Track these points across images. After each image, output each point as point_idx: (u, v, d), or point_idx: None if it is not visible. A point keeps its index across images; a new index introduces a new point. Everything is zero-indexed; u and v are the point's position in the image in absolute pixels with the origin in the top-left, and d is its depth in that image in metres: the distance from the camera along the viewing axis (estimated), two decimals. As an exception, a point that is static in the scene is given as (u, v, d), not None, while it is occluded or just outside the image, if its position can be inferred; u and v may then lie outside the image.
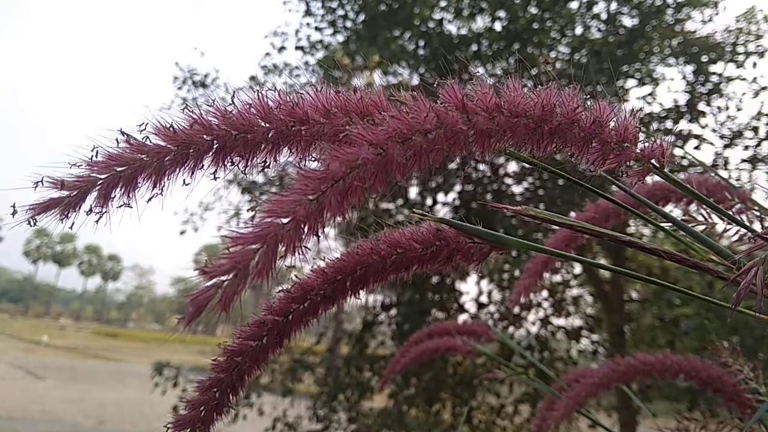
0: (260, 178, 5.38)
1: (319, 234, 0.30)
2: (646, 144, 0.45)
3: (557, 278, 5.76)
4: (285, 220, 0.28)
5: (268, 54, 6.12)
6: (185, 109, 0.37)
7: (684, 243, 0.53)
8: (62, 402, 12.11)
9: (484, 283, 5.70)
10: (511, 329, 5.48)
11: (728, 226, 0.65)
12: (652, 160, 0.45)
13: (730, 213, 0.75)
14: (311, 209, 0.29)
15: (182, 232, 6.43)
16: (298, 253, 0.29)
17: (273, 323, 0.53)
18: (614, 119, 0.43)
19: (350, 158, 0.31)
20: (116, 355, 26.08)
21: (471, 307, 5.61)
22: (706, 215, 0.64)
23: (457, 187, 5.50)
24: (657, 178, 0.83)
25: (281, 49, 6.10)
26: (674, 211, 0.85)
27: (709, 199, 0.75)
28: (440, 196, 5.52)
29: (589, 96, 0.43)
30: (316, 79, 0.42)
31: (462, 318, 5.50)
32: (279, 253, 0.28)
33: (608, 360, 1.01)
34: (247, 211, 0.30)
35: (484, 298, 5.64)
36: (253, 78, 6.04)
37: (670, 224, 0.55)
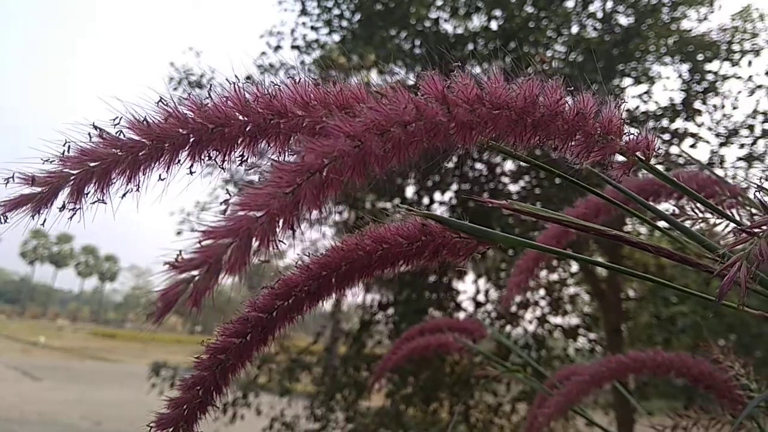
0: (257, 178, 5.35)
1: (295, 228, 0.29)
2: (631, 136, 0.44)
3: (554, 277, 5.76)
4: (259, 214, 0.28)
5: (264, 53, 6.11)
6: (159, 102, 0.36)
7: (672, 237, 0.53)
8: (59, 403, 12.08)
9: (482, 282, 5.70)
10: (508, 328, 5.48)
11: (719, 221, 0.65)
12: (637, 153, 0.44)
13: (720, 207, 0.74)
14: (286, 202, 0.28)
15: (179, 233, 6.42)
16: (272, 248, 0.29)
17: (257, 320, 0.52)
18: (598, 111, 0.42)
19: (326, 150, 0.31)
20: (113, 356, 26.03)
21: (468, 306, 5.61)
22: (697, 210, 0.64)
23: (454, 186, 5.50)
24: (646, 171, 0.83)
25: (277, 48, 6.09)
26: (665, 206, 0.84)
27: (700, 194, 0.75)
28: (437, 195, 5.51)
29: (574, 89, 0.42)
30: (311, 79, 0.41)
31: (459, 317, 5.49)
32: (252, 247, 0.27)
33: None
34: (220, 204, 0.29)
35: (481, 297, 5.63)
36: (249, 78, 5.99)
37: (658, 218, 0.55)
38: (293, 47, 6.01)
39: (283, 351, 5.80)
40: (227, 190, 0.30)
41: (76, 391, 14.21)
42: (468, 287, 5.81)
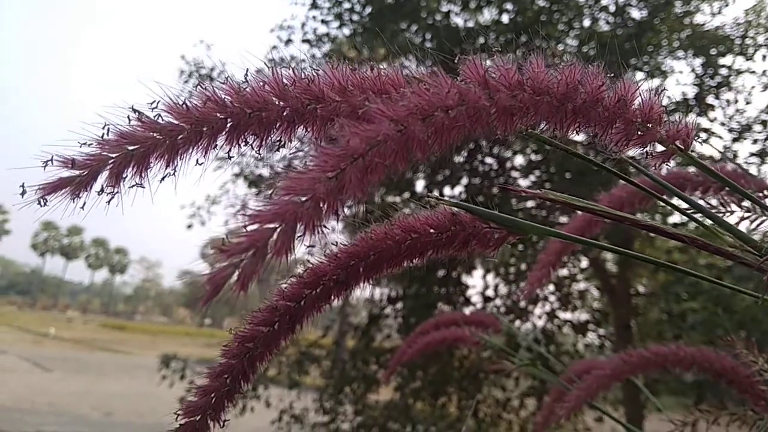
0: (266, 172, 5.39)
1: (339, 213, 0.29)
2: (671, 125, 0.44)
3: (564, 272, 5.74)
4: (304, 198, 0.27)
5: (274, 47, 6.11)
6: (198, 86, 0.36)
7: (708, 228, 0.52)
8: (69, 394, 12.18)
9: (491, 276, 5.69)
10: (517, 323, 5.47)
11: (746, 214, 0.64)
12: (677, 142, 0.43)
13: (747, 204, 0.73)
14: (331, 187, 0.28)
15: (189, 226, 6.45)
16: (317, 232, 0.28)
17: (285, 309, 0.52)
18: (639, 98, 0.42)
19: (370, 135, 0.30)
20: (123, 348, 26.21)
21: (477, 300, 5.61)
22: (725, 202, 0.63)
23: (464, 181, 5.48)
24: (671, 166, 0.82)
25: (288, 42, 6.09)
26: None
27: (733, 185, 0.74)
28: (447, 190, 5.50)
29: (615, 76, 0.42)
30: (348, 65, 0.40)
31: (467, 311, 5.49)
32: (297, 231, 0.27)
33: (617, 353, 1.00)
34: (265, 187, 0.29)
35: (490, 292, 5.63)
36: (259, 72, 6.00)
37: (691, 210, 0.54)
38: (304, 41, 6.01)
39: (293, 344, 5.82)
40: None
41: (86, 382, 14.33)
42: (477, 282, 5.81)
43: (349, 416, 5.47)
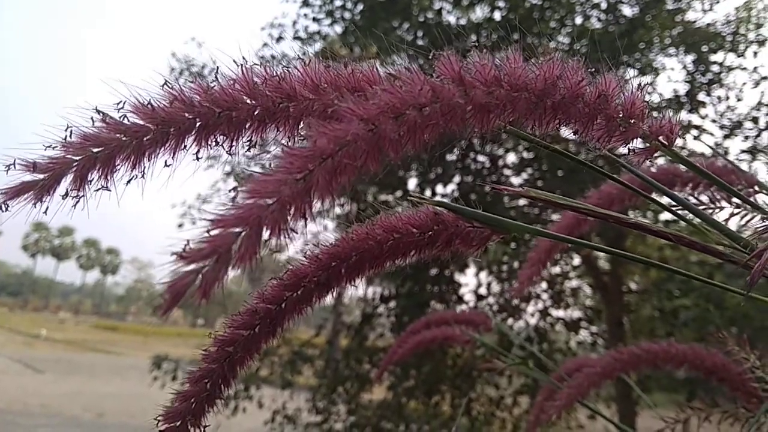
0: (258, 170, 5.33)
1: (306, 216, 0.28)
2: (654, 120, 0.43)
3: (556, 270, 5.75)
4: (269, 201, 0.26)
5: (266, 45, 6.08)
6: (164, 86, 0.35)
7: (695, 226, 0.51)
8: (61, 395, 12.11)
9: (483, 274, 5.69)
10: (510, 321, 5.47)
11: (736, 210, 0.63)
12: (660, 137, 0.43)
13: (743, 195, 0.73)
14: (298, 189, 0.27)
15: (180, 225, 6.41)
16: (284, 237, 0.27)
17: (265, 312, 0.51)
18: (620, 94, 0.41)
19: (339, 134, 0.29)
20: (115, 349, 26.09)
21: (470, 298, 5.60)
22: (714, 199, 0.62)
23: (456, 179, 5.48)
24: (661, 162, 0.81)
25: (279, 39, 6.06)
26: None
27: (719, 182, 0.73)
28: (439, 188, 5.49)
29: (596, 71, 0.41)
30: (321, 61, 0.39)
31: (460, 310, 5.49)
32: (263, 236, 0.26)
33: (609, 350, 0.99)
34: (229, 191, 0.28)
35: (483, 290, 5.63)
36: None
37: (677, 207, 0.53)
38: (295, 38, 5.98)
39: (285, 343, 5.80)
40: (236, 177, 0.29)
41: (78, 383, 14.25)
42: (470, 280, 5.81)
43: (342, 416, 5.46)
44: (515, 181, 5.49)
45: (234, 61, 0.38)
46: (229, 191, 0.28)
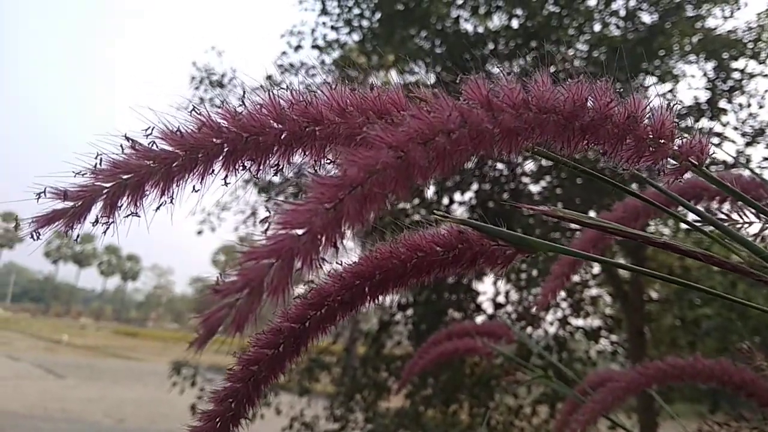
0: (277, 178, 5.41)
1: (337, 245, 0.28)
2: (684, 140, 0.42)
3: (576, 278, 5.69)
4: (300, 232, 0.26)
5: (284, 53, 6.13)
6: (193, 111, 0.35)
7: (722, 244, 0.50)
8: (82, 401, 12.24)
9: (501, 283, 5.65)
10: (528, 329, 5.42)
11: (766, 226, 0.62)
12: (691, 158, 0.42)
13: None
14: (328, 219, 0.27)
15: (199, 232, 6.47)
16: (315, 266, 0.27)
17: (289, 330, 0.51)
18: (650, 114, 0.40)
19: (369, 162, 0.29)
20: (135, 354, 26.31)
21: (488, 307, 5.57)
22: (742, 214, 0.61)
23: (474, 186, 5.46)
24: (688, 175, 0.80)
25: (297, 48, 6.10)
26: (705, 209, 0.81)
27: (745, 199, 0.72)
28: (457, 195, 5.48)
29: (621, 89, 0.40)
30: (332, 79, 0.39)
31: (479, 318, 5.46)
32: (295, 267, 0.26)
33: (629, 361, 0.98)
34: (260, 222, 0.28)
35: (501, 299, 5.59)
36: (269, 77, 6.05)
37: (704, 223, 0.52)
38: (313, 47, 6.01)
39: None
40: (267, 207, 0.29)
41: (98, 388, 14.40)
42: (488, 288, 5.78)
43: (359, 424, 5.45)
44: (534, 189, 5.46)
45: (252, 78, 0.38)
46: (260, 222, 0.28)
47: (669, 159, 0.42)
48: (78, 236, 0.36)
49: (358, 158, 0.28)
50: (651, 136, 0.41)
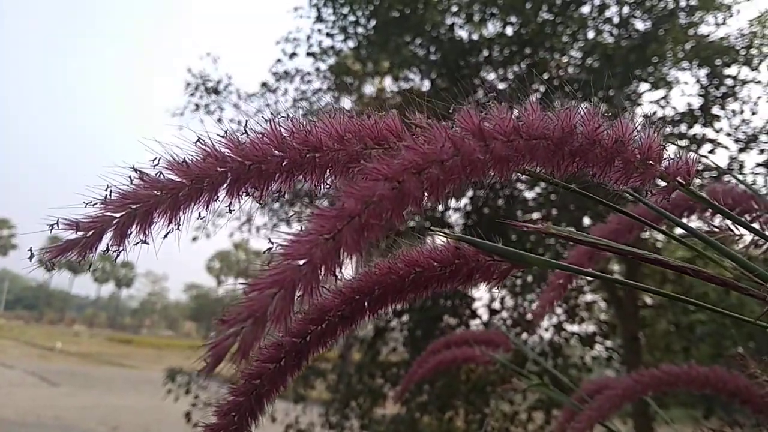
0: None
1: (336, 273, 0.29)
2: (671, 161, 0.44)
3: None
4: (301, 263, 0.28)
5: (279, 60, 6.15)
6: (197, 142, 0.37)
7: (710, 258, 0.52)
8: (76, 408, 12.18)
9: (496, 289, 5.65)
10: (524, 336, 5.44)
11: (756, 239, 0.63)
12: (678, 178, 0.44)
13: (757, 226, 0.73)
14: (327, 249, 0.28)
15: (194, 239, 6.46)
16: (315, 295, 0.29)
17: (291, 345, 0.52)
18: (637, 137, 0.42)
19: (366, 194, 0.30)
20: (130, 362, 26.21)
21: (483, 313, 5.58)
22: (733, 228, 0.62)
23: (469, 192, 5.48)
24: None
25: (292, 55, 6.12)
26: (698, 223, 0.83)
27: (735, 209, 0.74)
28: (452, 202, 5.49)
29: (604, 102, 0.42)
30: (327, 85, 0.41)
31: (474, 324, 5.47)
32: (296, 296, 0.27)
33: (623, 367, 0.99)
34: (263, 253, 0.30)
35: (496, 305, 5.60)
36: (264, 84, 6.07)
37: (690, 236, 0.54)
38: (309, 54, 6.03)
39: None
40: (269, 239, 0.31)
41: (92, 396, 14.32)
42: (483, 294, 5.79)
43: (355, 430, 5.44)
44: (528, 195, 5.48)
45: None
46: (263, 252, 0.30)
47: (657, 179, 0.44)
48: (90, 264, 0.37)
49: (355, 190, 0.30)
50: (639, 158, 0.42)
